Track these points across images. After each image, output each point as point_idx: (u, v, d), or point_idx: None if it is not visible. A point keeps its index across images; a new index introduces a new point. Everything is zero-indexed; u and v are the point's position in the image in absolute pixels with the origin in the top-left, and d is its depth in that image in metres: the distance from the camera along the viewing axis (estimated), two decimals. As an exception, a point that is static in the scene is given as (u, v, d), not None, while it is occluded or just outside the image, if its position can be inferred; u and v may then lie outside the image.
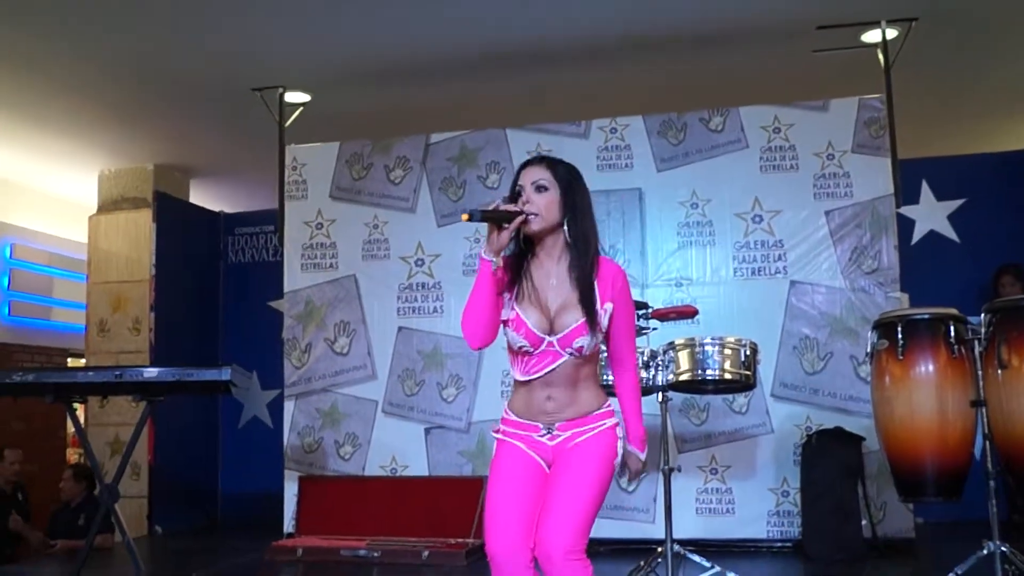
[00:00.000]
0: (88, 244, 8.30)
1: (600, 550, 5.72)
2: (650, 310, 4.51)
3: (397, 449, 6.26)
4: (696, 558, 4.26)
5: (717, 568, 4.18)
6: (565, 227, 2.74)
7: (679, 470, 4.86)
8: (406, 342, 6.33)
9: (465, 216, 2.64)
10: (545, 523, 2.60)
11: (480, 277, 2.70)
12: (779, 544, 5.62)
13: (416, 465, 6.21)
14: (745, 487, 5.70)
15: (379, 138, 6.63)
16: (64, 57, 6.08)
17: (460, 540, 5.67)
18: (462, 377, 6.20)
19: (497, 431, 2.81)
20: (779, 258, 5.86)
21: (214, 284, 8.30)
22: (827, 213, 5.83)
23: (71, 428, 8.86)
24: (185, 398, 7.13)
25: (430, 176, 6.46)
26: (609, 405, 2.77)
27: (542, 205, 2.70)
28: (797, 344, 5.75)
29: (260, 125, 6.74)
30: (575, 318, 2.67)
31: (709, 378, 4.29)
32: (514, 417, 2.78)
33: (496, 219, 2.67)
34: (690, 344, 4.29)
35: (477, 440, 6.07)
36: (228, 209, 8.72)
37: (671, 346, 4.33)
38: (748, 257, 5.92)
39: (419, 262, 6.35)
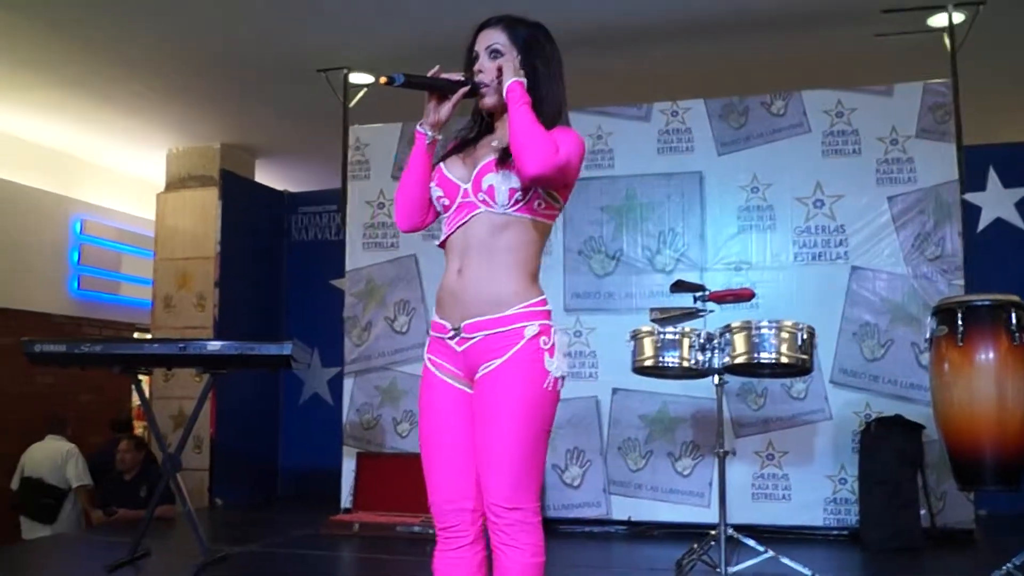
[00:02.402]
0: (155, 221, 8.48)
1: (655, 533, 5.77)
2: (707, 292, 4.49)
3: (454, 428, 6.30)
4: (750, 542, 4.24)
5: (771, 553, 4.16)
6: None
7: (734, 453, 4.86)
8: (464, 322, 6.36)
9: (383, 79, 2.27)
10: (480, 479, 2.30)
11: (413, 151, 2.45)
12: (835, 532, 5.58)
13: (472, 444, 6.24)
14: (802, 473, 5.67)
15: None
16: (133, 38, 6.22)
17: (514, 519, 5.71)
18: (519, 358, 6.21)
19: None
20: (840, 243, 5.80)
21: (278, 262, 8.43)
22: (890, 199, 5.75)
23: (136, 401, 9.08)
24: (247, 375, 7.27)
25: (490, 157, 6.48)
26: (539, 303, 2.36)
27: (496, 73, 2.38)
28: (857, 330, 5.69)
29: (325, 105, 6.82)
30: (489, 158, 2.35)
31: (765, 361, 4.25)
32: (435, 316, 2.48)
33: (427, 86, 2.36)
34: (746, 327, 4.26)
35: (533, 420, 6.09)
36: (292, 188, 8.84)
37: (727, 329, 4.31)
38: (809, 242, 5.86)
39: (478, 243, 6.38)
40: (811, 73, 6.48)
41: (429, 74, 2.36)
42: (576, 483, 6.00)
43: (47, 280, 8.63)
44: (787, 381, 5.62)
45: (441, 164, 2.46)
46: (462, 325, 2.36)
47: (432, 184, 2.45)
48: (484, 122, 2.52)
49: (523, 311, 2.33)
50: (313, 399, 8.12)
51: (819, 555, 5.02)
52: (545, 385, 2.31)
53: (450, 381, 2.41)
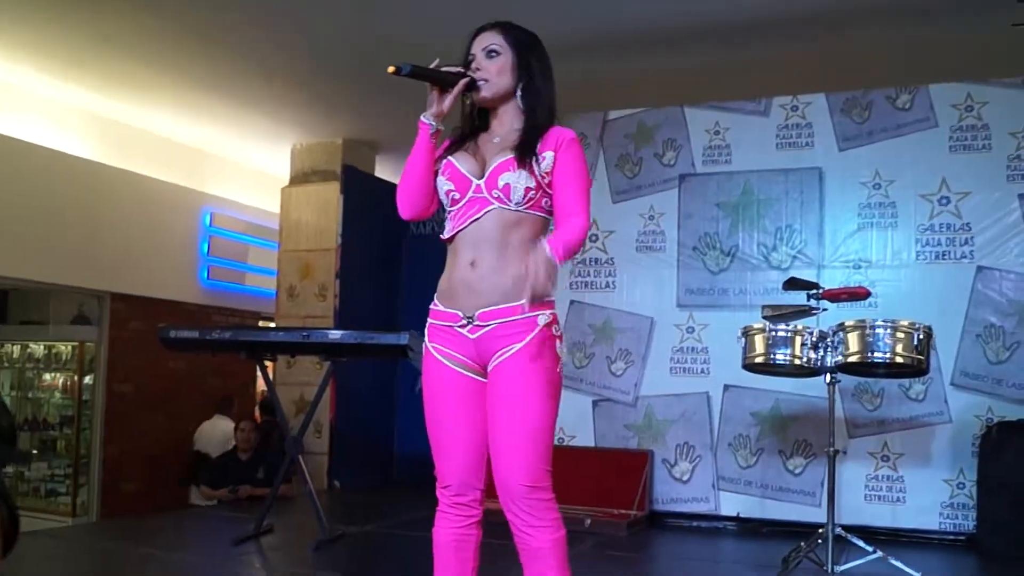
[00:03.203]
0: (280, 214, 8.78)
1: (763, 530, 5.73)
2: (821, 290, 4.44)
3: (565, 420, 6.32)
4: (859, 542, 4.18)
5: (879, 553, 4.09)
6: (518, 93, 2.56)
7: (844, 453, 4.79)
8: (578, 315, 6.43)
9: (391, 68, 2.39)
10: (497, 461, 2.40)
11: (417, 142, 2.54)
12: (951, 536, 5.44)
13: (583, 436, 6.31)
14: (918, 476, 5.54)
15: (558, 114, 6.69)
16: (259, 40, 6.47)
17: (623, 511, 5.75)
18: (631, 352, 6.26)
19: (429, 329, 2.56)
20: (965, 242, 5.63)
21: (396, 254, 8.62)
22: (1021, 196, 5.55)
23: (259, 387, 9.45)
24: (366, 364, 7.48)
25: (607, 152, 6.51)
26: (546, 296, 2.44)
27: (493, 71, 2.53)
28: (981, 332, 5.52)
29: (443, 101, 6.94)
30: (505, 157, 2.47)
31: (878, 360, 4.19)
32: (439, 305, 2.52)
33: (430, 78, 2.48)
34: (860, 326, 4.20)
35: (644, 414, 6.12)
36: (411, 183, 9.00)
37: (841, 327, 4.26)
38: (932, 240, 5.71)
39: (593, 237, 6.42)
40: (939, 66, 6.29)
41: (431, 66, 2.48)
42: (685, 478, 5.99)
43: (179, 270, 9.04)
44: (905, 382, 5.50)
45: (451, 158, 2.55)
46: (476, 314, 2.44)
47: (442, 177, 2.54)
48: (476, 120, 2.65)
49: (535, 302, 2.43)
50: (428, 388, 8.25)
51: (932, 558, 4.91)
52: (559, 369, 2.46)
53: (456, 368, 2.49)
